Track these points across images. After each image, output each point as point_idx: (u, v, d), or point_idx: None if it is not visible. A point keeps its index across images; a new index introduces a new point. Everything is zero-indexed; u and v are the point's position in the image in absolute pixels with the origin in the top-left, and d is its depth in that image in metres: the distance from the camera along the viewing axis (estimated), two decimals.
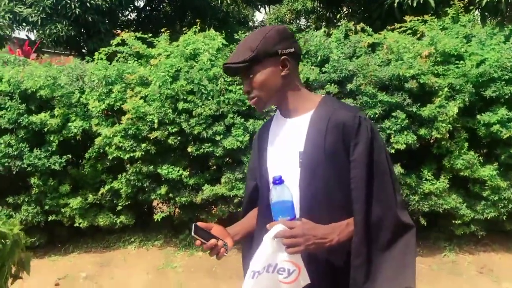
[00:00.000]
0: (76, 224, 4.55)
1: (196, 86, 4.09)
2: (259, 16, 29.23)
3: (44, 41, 10.55)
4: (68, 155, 4.39)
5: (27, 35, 11.55)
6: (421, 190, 4.05)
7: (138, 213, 4.82)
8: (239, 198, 4.15)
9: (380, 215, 1.39)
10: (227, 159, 4.43)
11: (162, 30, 4.87)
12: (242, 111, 4.18)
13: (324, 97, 1.54)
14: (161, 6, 14.44)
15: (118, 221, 4.55)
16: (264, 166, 1.58)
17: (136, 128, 4.17)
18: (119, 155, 4.22)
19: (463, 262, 4.23)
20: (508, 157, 4.13)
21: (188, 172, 4.28)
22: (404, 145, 3.91)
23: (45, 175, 4.39)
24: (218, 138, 4.10)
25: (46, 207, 4.48)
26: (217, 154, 4.15)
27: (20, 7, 10.10)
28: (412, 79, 3.94)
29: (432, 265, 4.18)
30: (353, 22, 4.82)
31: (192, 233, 1.43)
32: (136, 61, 4.63)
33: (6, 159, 4.25)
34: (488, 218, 4.16)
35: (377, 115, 3.94)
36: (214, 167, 4.52)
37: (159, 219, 4.44)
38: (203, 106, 4.09)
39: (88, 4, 10.07)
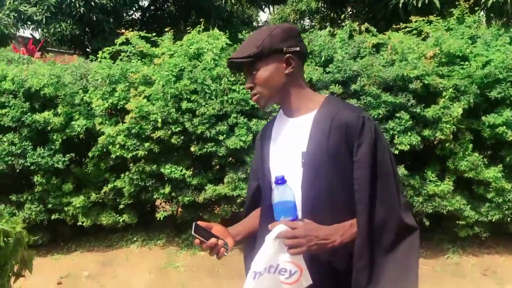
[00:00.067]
0: (79, 223, 4.55)
1: (200, 85, 4.09)
2: (263, 16, 29.32)
3: (49, 39, 10.59)
4: (72, 154, 4.39)
5: (31, 34, 11.60)
6: (425, 192, 4.03)
7: (141, 212, 4.82)
8: (242, 198, 4.14)
9: (384, 216, 1.38)
10: (230, 159, 4.41)
11: (166, 29, 4.87)
12: (245, 110, 4.16)
13: (328, 97, 1.53)
14: (166, 6, 14.47)
15: (120, 220, 4.55)
16: (267, 166, 1.56)
17: (140, 127, 4.16)
18: (122, 154, 4.22)
19: (466, 264, 4.21)
20: None
21: (191, 172, 4.27)
22: (408, 146, 3.89)
23: (48, 173, 4.40)
24: (221, 137, 4.10)
25: (49, 206, 4.49)
26: (220, 154, 4.14)
27: (25, 6, 10.14)
28: (417, 80, 3.92)
29: (435, 266, 4.16)
30: (357, 23, 4.80)
31: (192, 232, 1.41)
32: (139, 60, 4.63)
33: (9, 157, 4.25)
34: (493, 220, 4.13)
35: (380, 116, 3.93)
36: (217, 166, 4.51)
37: (161, 218, 4.44)
38: (206, 105, 4.08)
39: (92, 3, 10.12)
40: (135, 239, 4.83)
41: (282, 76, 1.46)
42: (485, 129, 4.06)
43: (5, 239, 2.24)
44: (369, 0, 10.66)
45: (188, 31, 4.73)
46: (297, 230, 1.31)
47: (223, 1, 13.24)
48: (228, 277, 4.01)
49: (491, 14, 8.30)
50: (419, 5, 7.74)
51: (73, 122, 4.36)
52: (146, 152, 4.19)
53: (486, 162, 4.13)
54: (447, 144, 4.04)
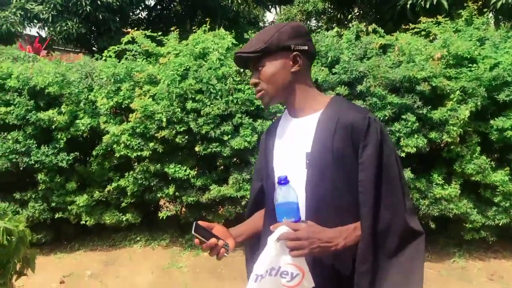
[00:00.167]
0: (83, 222, 4.55)
1: (205, 85, 4.07)
2: (270, 16, 29.26)
3: (55, 38, 10.62)
4: (76, 153, 4.38)
5: (38, 32, 11.63)
6: (431, 195, 3.99)
7: (144, 212, 4.81)
8: (246, 199, 4.12)
9: (388, 220, 1.35)
10: (235, 159, 4.40)
11: (172, 29, 4.85)
12: (250, 111, 4.14)
13: (334, 97, 1.51)
14: (172, 5, 14.47)
15: (124, 219, 4.53)
16: (271, 166, 1.54)
17: (144, 127, 4.15)
18: (126, 153, 4.20)
19: (472, 269, 4.17)
20: None
21: (195, 172, 4.25)
22: (414, 149, 3.85)
23: (52, 172, 4.39)
24: (226, 138, 4.07)
25: (53, 204, 4.48)
26: (225, 154, 4.12)
27: (32, 4, 10.17)
28: (424, 82, 3.88)
29: (441, 270, 4.12)
30: (364, 23, 4.77)
31: (193, 232, 1.39)
32: (145, 60, 4.62)
33: (13, 155, 4.25)
34: (500, 224, 4.09)
35: (386, 117, 3.89)
36: (222, 167, 4.49)
37: (164, 217, 4.42)
38: (211, 105, 4.06)
39: (98, 2, 10.13)
40: (138, 238, 4.82)
41: (288, 73, 1.45)
42: (492, 132, 4.02)
43: (7, 237, 2.23)
44: (376, 1, 10.60)
45: (194, 31, 4.71)
46: (300, 232, 1.28)
47: (229, 1, 13.22)
48: (231, 278, 3.99)
49: (500, 16, 8.23)
50: (427, 6, 7.68)
51: (77, 121, 4.35)
52: (150, 152, 4.18)
53: (493, 166, 4.09)
54: (454, 147, 4.00)
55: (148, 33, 4.71)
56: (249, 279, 1.31)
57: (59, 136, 4.32)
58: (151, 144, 4.17)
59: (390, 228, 1.35)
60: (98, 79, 4.45)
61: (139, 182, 4.33)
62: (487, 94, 3.96)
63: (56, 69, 4.39)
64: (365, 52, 4.29)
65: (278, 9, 16.97)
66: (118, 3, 10.43)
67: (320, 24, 16.39)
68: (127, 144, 4.18)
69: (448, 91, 3.91)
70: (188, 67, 4.21)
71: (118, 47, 4.57)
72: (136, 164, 4.40)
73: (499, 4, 7.32)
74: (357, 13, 12.76)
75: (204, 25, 4.72)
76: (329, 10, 15.00)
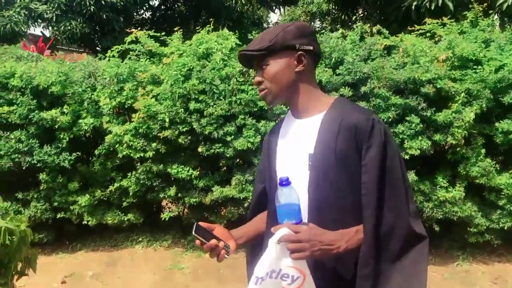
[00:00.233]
0: (84, 222, 4.53)
1: (208, 85, 4.05)
2: (274, 17, 29.24)
3: (59, 38, 10.63)
4: (78, 152, 4.38)
5: (42, 32, 11.64)
6: (436, 197, 3.97)
7: (146, 212, 4.80)
8: (249, 200, 4.10)
9: (391, 223, 1.33)
10: (238, 160, 4.38)
11: (176, 29, 4.84)
12: (254, 112, 4.13)
13: (337, 98, 1.50)
14: (176, 6, 14.48)
15: (126, 219, 4.52)
16: (273, 167, 1.53)
17: (147, 127, 4.14)
18: (129, 153, 4.19)
19: (476, 272, 4.13)
20: None
21: (198, 172, 4.24)
22: (418, 151, 3.82)
23: (54, 171, 4.38)
24: (229, 138, 4.06)
25: (55, 204, 4.47)
26: (228, 155, 4.10)
27: (36, 4, 10.19)
28: (429, 84, 3.86)
29: (444, 274, 4.09)
30: (369, 25, 4.74)
31: (193, 232, 1.37)
32: (148, 60, 4.61)
33: (16, 155, 4.24)
34: (505, 228, 4.05)
35: (390, 119, 3.86)
36: (224, 168, 4.48)
37: (166, 219, 4.41)
38: (214, 106, 4.05)
39: (103, 2, 10.15)
40: (140, 239, 4.81)
41: (292, 73, 1.43)
42: (497, 135, 3.98)
43: (9, 237, 2.22)
44: (380, 2, 10.56)
45: (198, 31, 4.70)
46: (301, 234, 1.27)
47: (234, 2, 13.21)
48: (233, 280, 3.97)
49: (506, 18, 8.19)
50: (432, 7, 7.63)
51: (80, 120, 4.35)
52: (153, 152, 4.17)
53: (498, 168, 4.05)
54: (458, 149, 3.97)
55: (151, 33, 4.70)
56: (250, 282, 1.29)
57: (61, 136, 4.32)
58: (154, 145, 4.16)
59: (393, 231, 1.33)
60: (101, 79, 4.44)
61: (141, 182, 4.31)
62: (492, 96, 3.93)
63: (59, 68, 4.38)
64: (369, 53, 4.26)
65: (282, 10, 16.95)
66: (122, 3, 10.44)
67: (324, 25, 16.36)
68: (130, 144, 4.17)
69: (453, 93, 3.88)
70: (191, 67, 4.19)
71: (121, 47, 4.56)
72: (138, 164, 4.39)
73: (505, 6, 7.28)
74: (362, 15, 12.72)
75: (208, 26, 4.70)
76: (333, 11, 14.96)
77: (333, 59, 4.17)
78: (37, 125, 4.31)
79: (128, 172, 4.38)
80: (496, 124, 3.98)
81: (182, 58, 4.27)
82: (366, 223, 1.32)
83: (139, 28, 4.82)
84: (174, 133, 4.11)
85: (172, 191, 4.26)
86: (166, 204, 5.15)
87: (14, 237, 2.25)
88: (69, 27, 10.17)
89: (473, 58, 4.05)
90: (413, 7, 8.08)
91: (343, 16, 13.26)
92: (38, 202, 4.45)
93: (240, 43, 4.51)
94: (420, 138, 3.86)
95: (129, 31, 4.71)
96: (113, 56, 4.48)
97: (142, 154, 4.17)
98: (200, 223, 1.41)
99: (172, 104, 4.08)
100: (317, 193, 1.37)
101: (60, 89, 4.26)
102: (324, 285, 1.34)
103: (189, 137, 4.14)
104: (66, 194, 4.47)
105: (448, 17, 4.87)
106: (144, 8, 13.39)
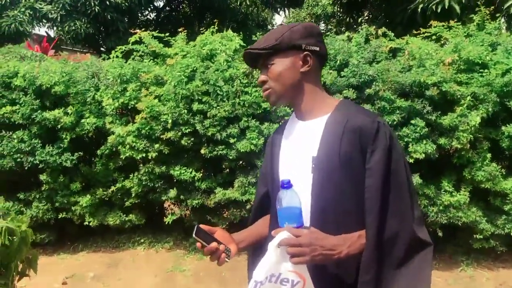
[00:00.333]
0: (86, 223, 4.52)
1: (212, 87, 4.03)
2: (278, 19, 29.21)
3: (63, 38, 10.63)
4: (80, 152, 4.36)
5: (46, 32, 11.66)
6: (440, 202, 3.92)
7: (149, 214, 4.78)
8: (252, 203, 4.07)
9: (395, 229, 1.30)
10: (241, 162, 4.36)
11: (180, 30, 4.82)
12: (257, 114, 4.10)
13: (342, 100, 1.47)
14: (181, 7, 14.48)
15: (127, 220, 4.50)
16: (276, 170, 1.50)
17: (150, 128, 4.12)
18: (131, 154, 4.17)
19: (481, 278, 4.09)
20: None
21: (200, 174, 4.21)
22: (423, 155, 3.78)
23: (56, 172, 4.37)
24: (232, 140, 4.03)
25: (57, 204, 4.46)
26: (231, 157, 4.08)
27: (40, 4, 10.19)
28: (434, 87, 3.82)
29: (448, 279, 4.05)
30: (374, 27, 4.71)
31: (193, 235, 1.34)
32: (152, 60, 4.59)
33: (18, 155, 4.23)
34: (510, 233, 4.01)
35: (395, 122, 3.83)
36: (227, 170, 4.45)
37: (170, 222, 4.39)
38: (218, 107, 4.02)
39: (107, 2, 10.14)
40: (142, 241, 4.79)
41: (297, 73, 1.41)
42: (503, 139, 3.95)
43: (9, 237, 2.20)
44: (386, 4, 10.51)
45: (202, 32, 4.68)
46: (301, 238, 1.23)
47: (238, 3, 13.21)
48: (235, 283, 3.94)
49: None
50: (439, 10, 7.58)
51: (83, 120, 4.33)
52: (156, 154, 4.14)
53: (503, 173, 4.01)
54: (464, 153, 3.93)
55: (155, 33, 4.68)
56: (249, 286, 1.27)
57: (64, 136, 4.30)
58: (157, 146, 4.14)
59: (397, 237, 1.30)
60: (105, 79, 4.42)
61: (143, 183, 4.30)
62: (498, 100, 3.90)
63: (62, 68, 4.37)
64: (374, 56, 4.24)
65: (286, 12, 16.94)
66: (127, 4, 10.44)
67: (329, 27, 16.32)
68: (133, 145, 4.15)
69: (458, 96, 3.85)
70: (195, 68, 4.17)
71: (125, 47, 4.55)
72: (141, 165, 4.37)
73: (511, 9, 7.23)
74: (367, 17, 12.68)
75: (212, 27, 4.68)
76: (338, 13, 14.92)
77: (338, 61, 4.14)
78: (39, 125, 4.29)
79: (130, 173, 4.36)
80: (502, 128, 3.95)
81: (186, 59, 4.25)
82: (369, 228, 1.30)
83: (143, 29, 4.81)
84: (177, 134, 4.08)
85: (172, 193, 4.24)
86: (169, 205, 5.12)
87: (14, 237, 2.23)
88: (73, 27, 10.17)
89: (479, 62, 4.02)
90: (419, 9, 8.03)
91: (348, 19, 13.21)
92: (40, 203, 4.44)
93: (244, 44, 4.48)
94: (425, 141, 3.83)
95: (133, 31, 4.70)
96: (117, 56, 4.46)
97: (144, 155, 4.15)
98: (201, 225, 1.38)
99: (175, 105, 4.05)
100: (320, 196, 1.34)
101: (63, 89, 4.25)
102: None
103: (192, 139, 4.12)
104: (68, 194, 4.46)
105: (455, 20, 4.83)
106: (149, 9, 13.40)
